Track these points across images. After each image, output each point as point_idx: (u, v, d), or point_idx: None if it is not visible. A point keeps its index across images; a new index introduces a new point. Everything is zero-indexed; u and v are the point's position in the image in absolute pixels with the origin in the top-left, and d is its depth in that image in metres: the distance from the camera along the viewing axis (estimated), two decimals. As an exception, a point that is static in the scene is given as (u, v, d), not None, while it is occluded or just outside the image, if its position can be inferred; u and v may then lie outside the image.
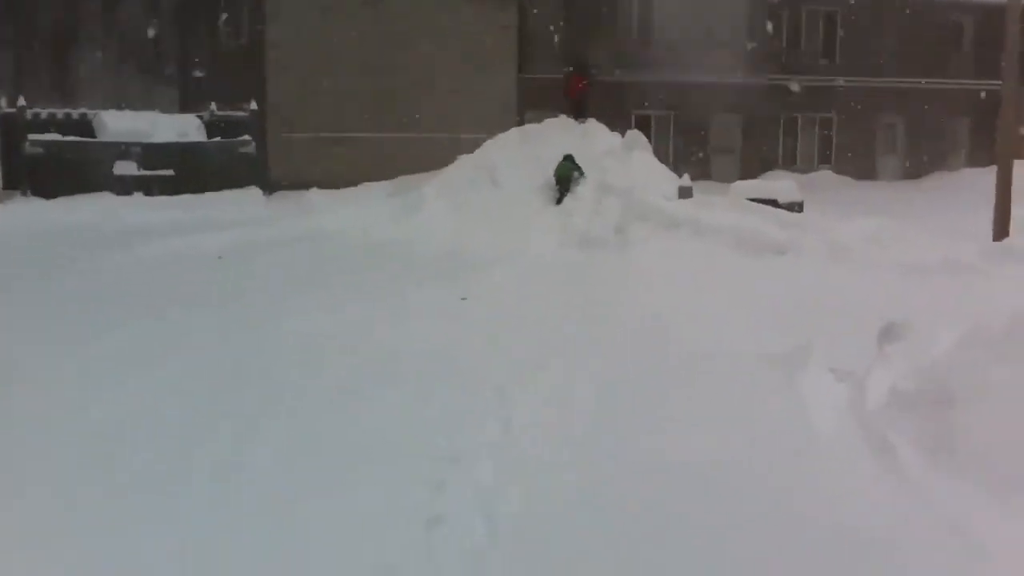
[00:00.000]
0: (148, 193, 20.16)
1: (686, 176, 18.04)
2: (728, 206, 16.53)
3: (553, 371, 8.44)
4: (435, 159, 21.67)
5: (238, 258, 14.12)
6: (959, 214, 20.74)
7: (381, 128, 24.58)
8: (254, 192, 21.08)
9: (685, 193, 17.56)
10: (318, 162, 23.77)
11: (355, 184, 22.29)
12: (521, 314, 10.93)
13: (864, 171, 31.44)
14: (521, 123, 23.11)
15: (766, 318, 10.91)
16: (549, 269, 14.43)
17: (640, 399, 7.74)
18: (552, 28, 28.40)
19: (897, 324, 8.45)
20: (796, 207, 17.55)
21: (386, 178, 22.64)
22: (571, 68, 20.90)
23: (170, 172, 20.57)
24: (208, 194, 20.27)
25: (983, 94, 31.49)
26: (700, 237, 15.60)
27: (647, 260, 14.62)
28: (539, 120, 21.18)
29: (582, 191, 18.32)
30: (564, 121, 20.93)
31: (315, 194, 21.02)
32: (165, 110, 26.76)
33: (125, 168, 20.19)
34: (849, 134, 31.59)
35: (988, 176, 29.24)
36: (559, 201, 18.26)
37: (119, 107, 24.65)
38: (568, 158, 18.72)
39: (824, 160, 31.57)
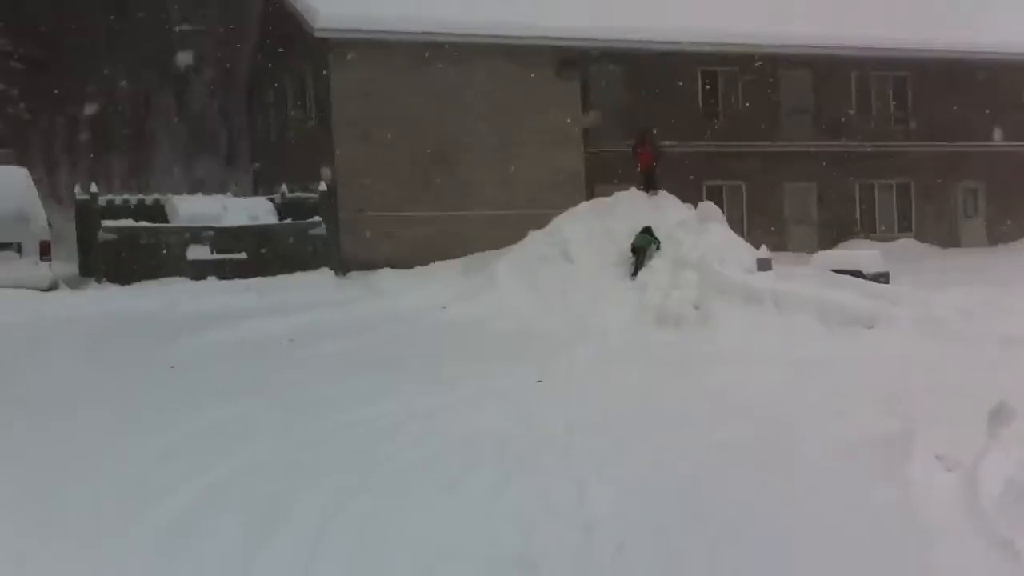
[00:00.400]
0: (222, 277, 20.20)
1: (764, 247, 17.46)
2: (811, 278, 15.90)
3: (636, 464, 7.90)
4: (505, 236, 21.43)
5: (308, 342, 13.84)
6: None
7: (450, 206, 24.50)
8: (326, 273, 21.05)
9: (764, 265, 16.97)
10: (389, 242, 23.71)
11: (426, 263, 22.12)
12: (599, 399, 10.41)
13: (946, 238, 30.46)
14: (590, 197, 22.78)
15: (860, 398, 10.26)
16: (625, 349, 13.91)
17: (733, 494, 7.16)
18: (617, 100, 28.28)
19: (1008, 405, 7.78)
20: (882, 277, 16.86)
21: (457, 256, 22.43)
22: (638, 141, 20.45)
23: (243, 255, 20.65)
24: (281, 276, 20.23)
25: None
26: (783, 311, 14.98)
27: (729, 337, 14.03)
28: (608, 194, 20.85)
29: (657, 264, 17.87)
30: (634, 194, 20.57)
31: (386, 274, 20.90)
32: (237, 195, 27.17)
33: (198, 252, 20.32)
34: (929, 200, 30.70)
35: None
36: (634, 275, 17.82)
37: (192, 192, 25.07)
38: (646, 230, 18.34)
39: (904, 228, 30.69)
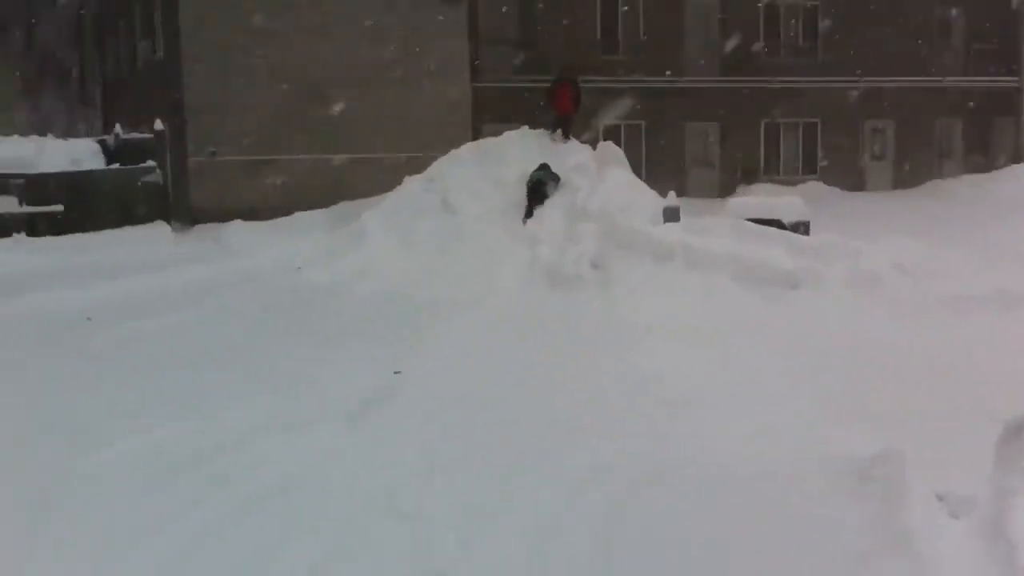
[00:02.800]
0: (33, 233, 16.88)
1: (672, 195, 15.27)
2: (725, 230, 13.76)
3: (522, 515, 5.56)
4: (379, 182, 18.82)
5: (113, 319, 10.98)
6: (983, 229, 18.15)
7: (316, 148, 21.59)
8: (160, 228, 17.82)
9: (672, 215, 14.78)
10: (245, 189, 20.75)
11: (288, 213, 19.32)
12: (474, 400, 8.04)
13: (852, 182, 28.85)
14: (477, 138, 20.24)
15: (807, 388, 8.14)
16: (512, 319, 11.57)
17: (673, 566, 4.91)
18: (508, 29, 25.67)
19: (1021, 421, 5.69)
20: (802, 228, 14.84)
21: (323, 205, 19.71)
22: (557, 82, 17.66)
23: (59, 208, 17.34)
24: (106, 232, 17.04)
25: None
26: (695, 270, 12.83)
27: (637, 304, 11.81)
28: (497, 134, 18.38)
29: (551, 214, 15.55)
30: (527, 134, 18.15)
31: (237, 228, 17.94)
32: (88, 135, 23.80)
33: (3, 204, 16.98)
34: (835, 141, 29.00)
35: (989, 183, 26.97)
36: (528, 216, 15.50)
37: (41, 134, 21.56)
38: (544, 167, 16.01)
39: (809, 171, 28.97)
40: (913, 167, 29.41)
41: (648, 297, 12.09)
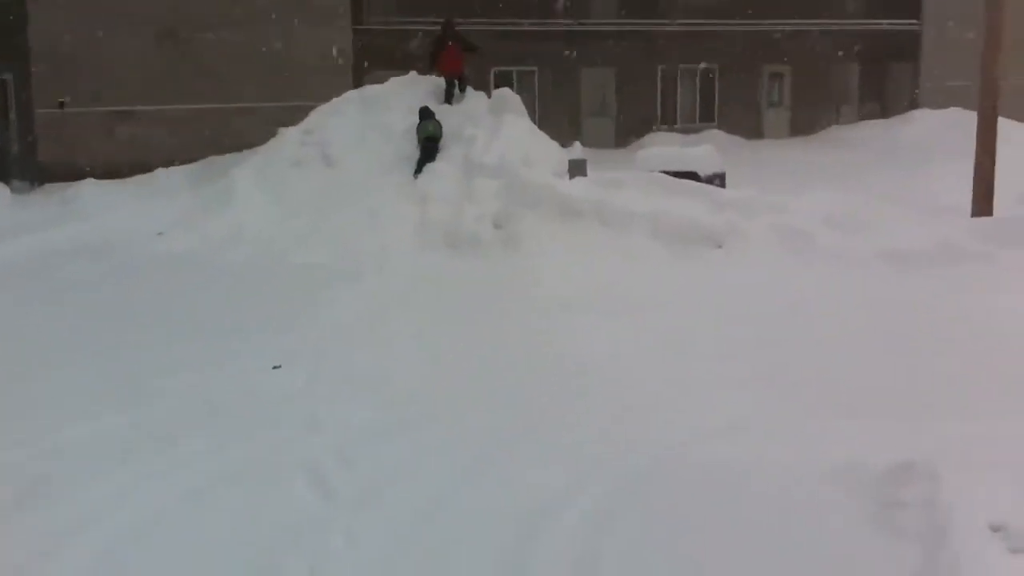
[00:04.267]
0: None
1: (577, 145, 14.02)
2: (638, 183, 12.48)
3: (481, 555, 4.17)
4: (251, 134, 16.93)
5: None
6: (893, 178, 17.36)
7: (180, 98, 19.45)
8: None
9: (578, 168, 13.46)
10: (100, 144, 18.57)
11: (148, 170, 17.27)
12: (366, 392, 6.58)
13: (750, 130, 27.98)
14: (359, 86, 18.47)
15: (764, 370, 6.92)
16: (405, 290, 10.08)
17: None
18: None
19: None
20: (717, 180, 13.70)
21: (188, 160, 17.73)
22: (439, 38, 15.72)
23: None
24: None
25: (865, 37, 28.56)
26: (610, 228, 11.55)
27: (548, 269, 10.44)
28: (382, 81, 16.71)
29: (442, 167, 14.04)
30: (415, 79, 16.56)
31: (90, 188, 15.84)
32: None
33: None
34: (733, 87, 28.04)
35: (890, 130, 26.38)
36: (419, 170, 13.97)
37: None
38: (425, 113, 14.46)
39: (706, 118, 27.97)
40: (811, 114, 28.72)
41: (559, 260, 10.75)
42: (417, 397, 6.51)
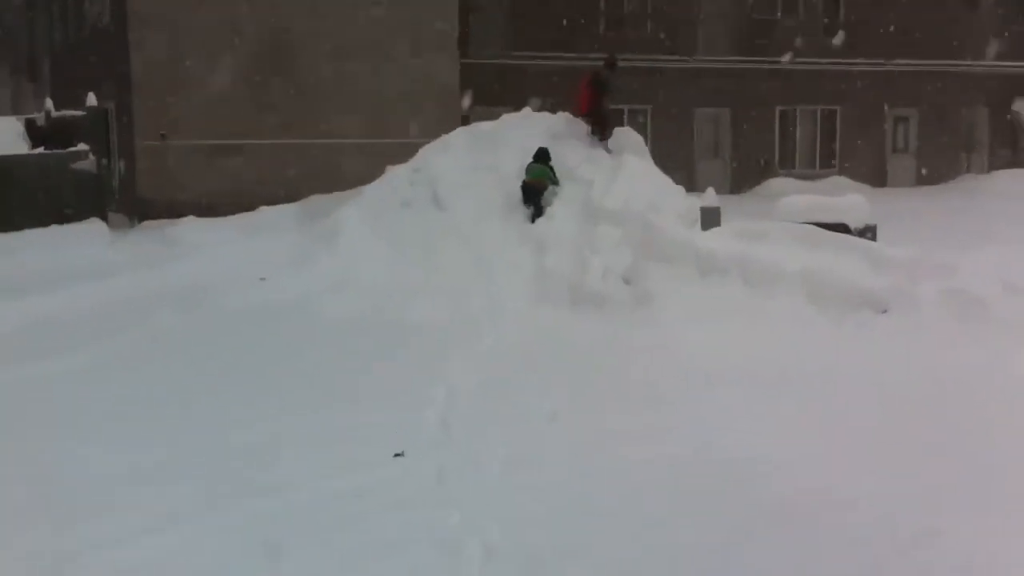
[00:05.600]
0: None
1: (711, 191, 12.76)
2: (784, 236, 11.20)
3: None
4: (355, 171, 16.11)
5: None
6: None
7: (284, 132, 18.76)
8: (96, 227, 14.83)
9: (712, 217, 12.25)
10: (202, 179, 17.97)
11: (250, 206, 16.56)
12: (511, 492, 5.46)
13: (874, 176, 26.36)
14: (468, 122, 17.56)
15: (966, 476, 5.60)
16: (531, 352, 8.97)
17: None
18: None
19: None
20: (869, 233, 12.33)
21: (292, 197, 17.00)
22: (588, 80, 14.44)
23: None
24: (29, 233, 13.97)
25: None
26: (755, 288, 10.29)
27: (684, 332, 9.22)
28: (492, 118, 15.75)
29: (560, 212, 12.99)
30: (528, 115, 15.58)
31: (190, 226, 15.09)
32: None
33: None
34: (856, 130, 26.46)
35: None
36: (539, 214, 12.95)
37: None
38: (541, 156, 13.40)
39: (827, 164, 26.45)
40: (938, 161, 26.97)
41: (700, 325, 9.53)
42: (580, 507, 5.36)
